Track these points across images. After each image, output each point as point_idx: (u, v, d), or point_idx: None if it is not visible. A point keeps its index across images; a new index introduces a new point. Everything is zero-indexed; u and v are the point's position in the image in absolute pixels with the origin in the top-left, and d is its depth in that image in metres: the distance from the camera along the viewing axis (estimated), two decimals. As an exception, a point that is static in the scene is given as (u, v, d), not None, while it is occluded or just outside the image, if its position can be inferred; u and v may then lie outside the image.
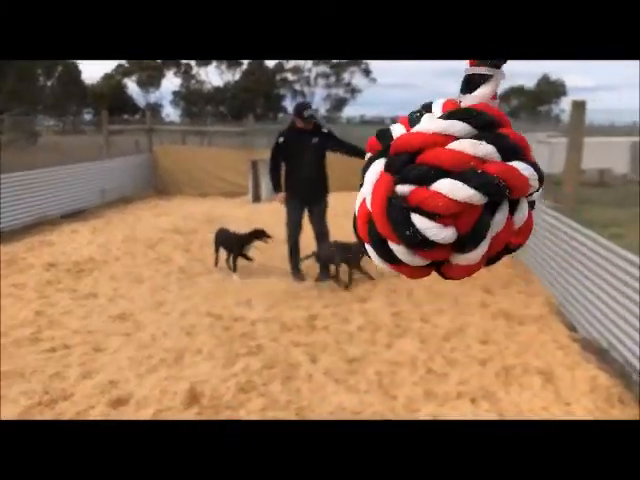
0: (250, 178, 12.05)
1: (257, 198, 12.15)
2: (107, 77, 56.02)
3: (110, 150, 12.24)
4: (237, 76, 58.80)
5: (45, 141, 25.36)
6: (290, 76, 58.78)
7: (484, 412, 3.35)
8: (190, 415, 3.37)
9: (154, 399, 3.58)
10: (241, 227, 8.86)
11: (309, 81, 60.42)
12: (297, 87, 61.56)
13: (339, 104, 61.40)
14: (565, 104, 62.80)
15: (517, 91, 63.44)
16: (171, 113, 62.23)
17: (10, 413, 3.42)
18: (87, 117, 55.87)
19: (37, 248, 7.42)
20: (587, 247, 4.65)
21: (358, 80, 59.98)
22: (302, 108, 5.97)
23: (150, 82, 58.57)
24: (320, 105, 59.70)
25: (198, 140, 20.53)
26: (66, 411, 3.45)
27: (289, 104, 59.74)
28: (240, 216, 9.99)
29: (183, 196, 12.78)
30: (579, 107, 5.31)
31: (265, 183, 12.15)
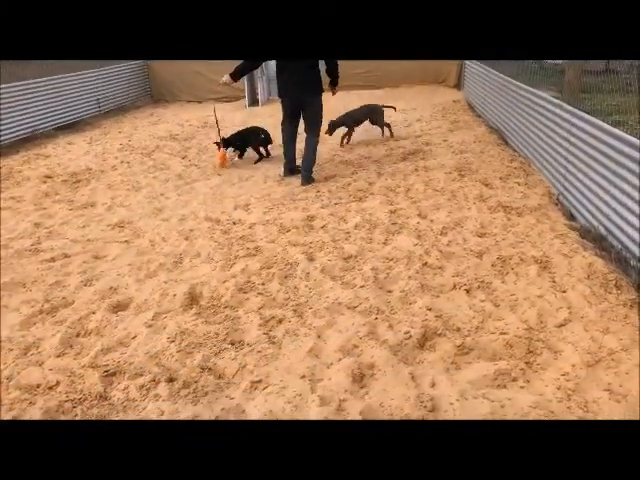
0: (246, 82, 11.66)
1: (254, 102, 11.84)
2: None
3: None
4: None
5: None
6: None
7: (479, 302, 3.38)
8: (189, 316, 3.43)
9: (154, 302, 3.65)
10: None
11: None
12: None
13: None
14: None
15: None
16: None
17: (12, 322, 3.50)
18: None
19: (33, 161, 7.34)
20: (588, 133, 4.51)
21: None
22: None
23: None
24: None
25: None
26: (67, 317, 3.52)
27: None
28: (237, 120, 9.78)
29: (179, 103, 12.48)
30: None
31: (262, 87, 11.79)
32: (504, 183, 5.58)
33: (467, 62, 11.43)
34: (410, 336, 3.05)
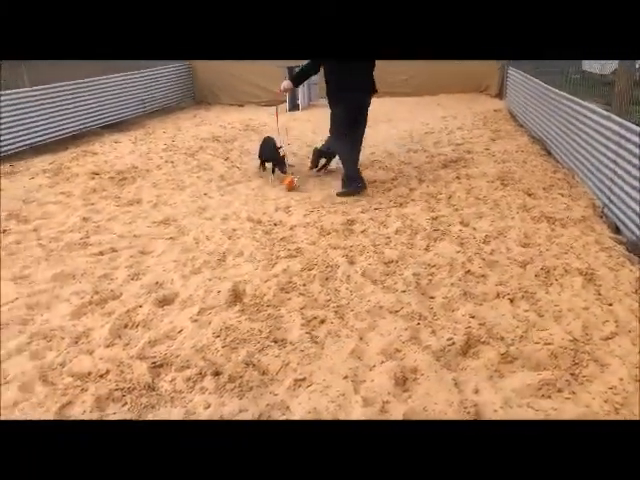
0: (287, 86, 11.77)
1: (294, 107, 11.94)
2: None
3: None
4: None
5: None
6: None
7: (523, 312, 3.36)
8: (233, 312, 3.50)
9: (198, 298, 3.73)
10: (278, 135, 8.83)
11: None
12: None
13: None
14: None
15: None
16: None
17: (63, 312, 3.62)
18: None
19: (81, 158, 7.55)
20: (637, 145, 4.44)
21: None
22: None
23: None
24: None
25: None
26: (115, 309, 3.62)
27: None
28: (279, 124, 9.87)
29: (221, 106, 12.67)
30: None
31: (302, 92, 11.88)
32: (547, 194, 5.52)
33: (510, 71, 11.33)
34: (453, 343, 3.05)
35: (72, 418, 2.63)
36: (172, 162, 7.31)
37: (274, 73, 12.27)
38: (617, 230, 4.67)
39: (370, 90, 5.83)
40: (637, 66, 5.35)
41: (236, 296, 3.73)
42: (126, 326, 3.45)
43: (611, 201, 4.93)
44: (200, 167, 7.09)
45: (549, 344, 3.01)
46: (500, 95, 12.50)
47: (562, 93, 7.06)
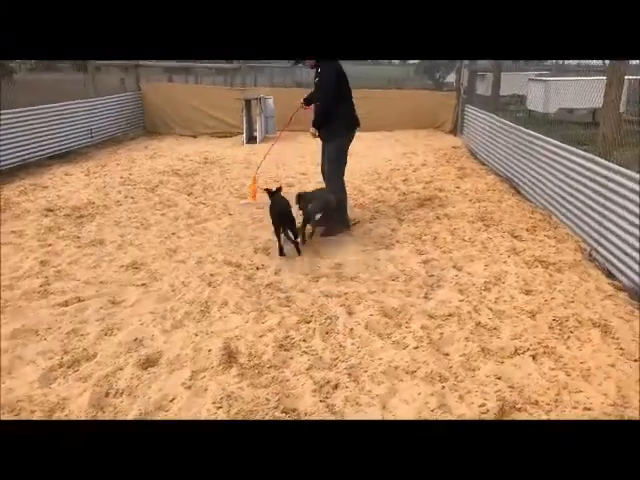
0: (244, 118, 11.48)
1: (252, 139, 11.63)
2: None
3: (95, 88, 11.45)
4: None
5: (21, 79, 24.02)
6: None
7: (549, 370, 3.12)
8: (231, 377, 3.09)
9: (187, 358, 3.30)
10: (241, 169, 8.52)
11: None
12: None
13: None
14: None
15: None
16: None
17: (31, 377, 3.12)
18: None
19: (30, 192, 6.94)
20: (627, 188, 4.39)
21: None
22: None
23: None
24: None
25: (182, 79, 19.55)
26: (92, 373, 3.15)
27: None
28: (239, 158, 9.56)
29: (174, 136, 12.22)
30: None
31: (260, 123, 11.60)
32: (533, 235, 5.41)
33: (467, 108, 11.48)
34: (487, 410, 2.77)
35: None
36: (132, 197, 6.82)
37: (229, 104, 11.98)
38: (610, 274, 4.57)
39: (358, 124, 5.65)
40: (621, 110, 5.37)
41: (230, 355, 3.32)
42: (107, 394, 2.98)
43: (600, 244, 4.86)
44: (163, 203, 6.63)
45: (589, 409, 2.78)
46: (455, 131, 12.65)
47: (531, 132, 7.09)
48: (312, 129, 5.47)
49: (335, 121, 5.38)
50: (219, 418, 2.74)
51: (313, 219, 5.35)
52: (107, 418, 2.77)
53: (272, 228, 5.06)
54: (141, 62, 12.57)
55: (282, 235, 5.04)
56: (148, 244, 5.27)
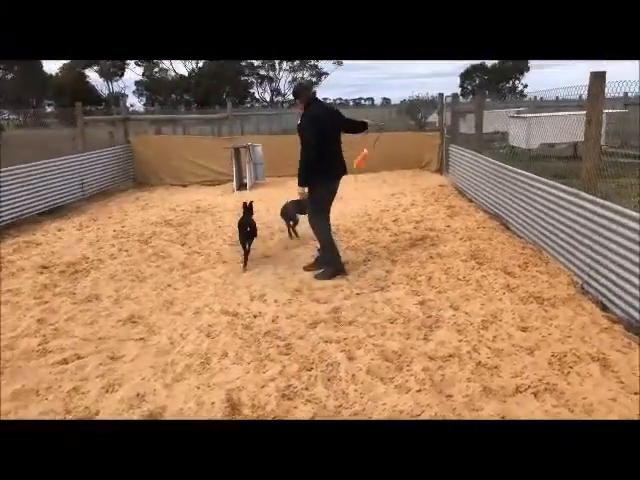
0: (233, 166, 11.65)
1: (242, 186, 11.77)
2: (68, 68, 54.19)
3: (84, 143, 11.61)
4: (201, 63, 57.65)
5: (9, 136, 24.29)
6: (255, 61, 57.86)
7: (552, 408, 3.14)
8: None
9: (191, 412, 3.29)
10: (233, 216, 8.59)
11: (274, 65, 59.66)
12: (262, 72, 60.81)
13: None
14: (526, 80, 63.39)
15: (479, 68, 63.70)
16: (135, 103, 61.01)
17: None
18: (48, 109, 53.81)
19: (24, 249, 6.95)
20: (613, 221, 4.49)
21: (324, 63, 59.80)
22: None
23: (112, 72, 57.15)
24: (287, 89, 59.28)
25: (170, 130, 19.90)
26: (96, 431, 3.13)
27: (255, 90, 59.41)
28: (230, 205, 9.66)
29: (164, 186, 12.34)
30: (598, 78, 5.09)
31: (249, 170, 11.76)
32: (526, 272, 5.48)
33: (451, 147, 11.72)
34: (494, 451, 2.77)
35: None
36: (126, 250, 6.85)
37: (217, 152, 12.16)
38: (604, 307, 4.63)
39: (344, 172, 5.73)
40: (602, 142, 5.53)
41: (233, 407, 3.32)
42: (112, 454, 2.96)
43: (591, 277, 4.93)
44: (157, 255, 6.66)
45: (595, 445, 2.79)
46: (440, 170, 12.88)
47: (517, 170, 7.24)
48: (299, 189, 5.52)
49: (317, 175, 5.46)
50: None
51: (294, 218, 7.12)
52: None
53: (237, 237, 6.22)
54: (130, 116, 12.77)
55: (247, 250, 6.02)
56: (144, 297, 5.28)
